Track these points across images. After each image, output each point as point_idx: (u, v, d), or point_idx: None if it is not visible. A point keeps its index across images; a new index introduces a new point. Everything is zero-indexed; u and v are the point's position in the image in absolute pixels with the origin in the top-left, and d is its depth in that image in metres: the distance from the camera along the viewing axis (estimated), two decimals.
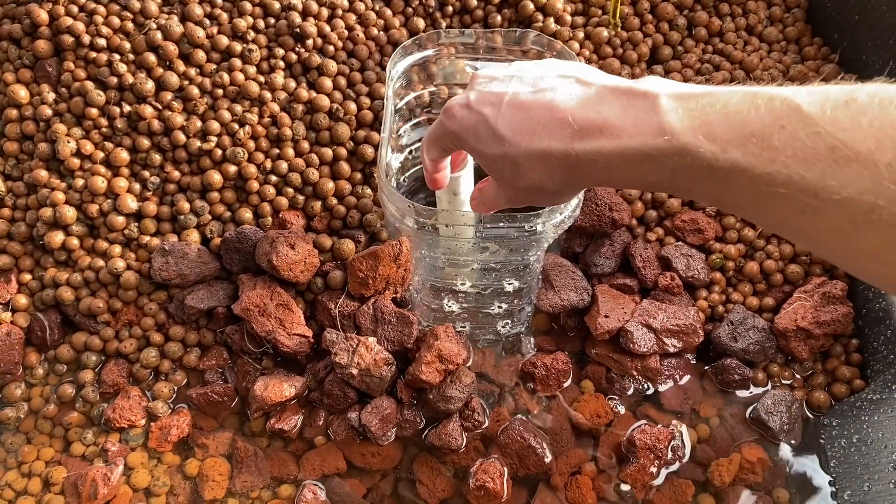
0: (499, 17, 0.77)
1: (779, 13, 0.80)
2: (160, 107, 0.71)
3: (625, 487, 0.63)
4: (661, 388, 0.68)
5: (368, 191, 0.73)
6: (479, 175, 0.60)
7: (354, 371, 0.64)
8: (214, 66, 0.72)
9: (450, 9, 0.77)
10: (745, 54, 0.77)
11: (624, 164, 0.38)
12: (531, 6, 0.76)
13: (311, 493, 0.63)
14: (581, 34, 0.77)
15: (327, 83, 0.73)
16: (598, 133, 0.38)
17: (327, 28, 0.73)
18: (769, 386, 0.68)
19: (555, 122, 0.40)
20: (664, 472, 0.64)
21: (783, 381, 0.68)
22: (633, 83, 0.39)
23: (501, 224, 0.57)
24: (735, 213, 0.39)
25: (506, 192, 0.46)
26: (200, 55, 0.71)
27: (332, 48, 0.73)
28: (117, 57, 0.70)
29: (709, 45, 0.79)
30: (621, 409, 0.67)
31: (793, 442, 0.65)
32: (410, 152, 0.75)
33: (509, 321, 0.71)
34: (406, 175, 0.74)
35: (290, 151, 0.72)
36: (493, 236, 0.59)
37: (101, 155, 0.71)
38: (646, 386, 0.68)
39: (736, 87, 0.35)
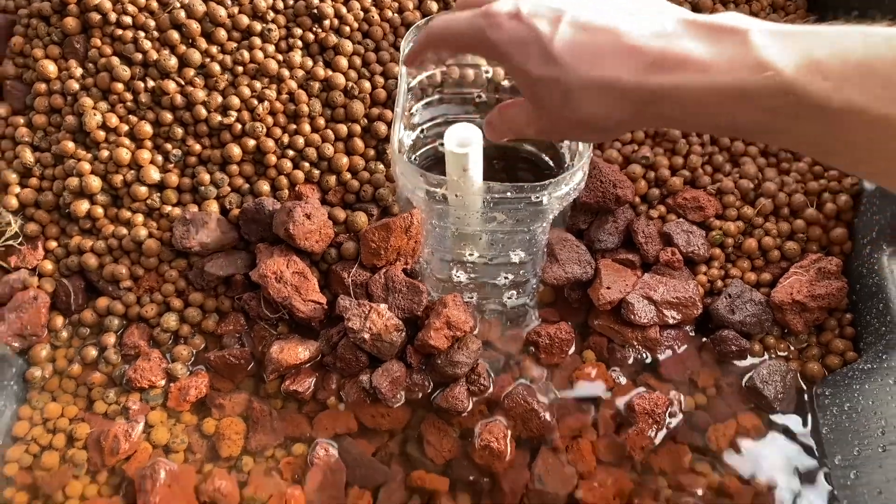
0: None
1: (781, 1, 0.82)
2: (183, 82, 0.74)
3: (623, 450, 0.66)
4: (661, 357, 0.71)
5: (381, 166, 0.75)
6: (486, 157, 0.62)
7: (366, 336, 0.67)
8: (235, 45, 0.75)
9: None
10: None
11: (710, 102, 0.35)
12: None
13: (324, 451, 0.66)
14: None
15: (343, 62, 0.76)
16: (679, 67, 0.35)
17: (344, 10, 0.76)
18: (765, 357, 0.70)
19: (625, 51, 0.36)
20: (661, 435, 0.66)
21: (779, 353, 0.70)
22: (716, 17, 0.36)
23: (508, 194, 0.60)
24: (834, 160, 0.36)
25: (541, 120, 0.42)
26: (222, 34, 0.74)
27: (348, 29, 0.76)
28: (142, 34, 0.73)
29: None
30: (622, 379, 0.70)
31: (787, 410, 0.67)
32: (422, 131, 0.77)
33: (515, 292, 0.73)
34: (417, 154, 0.77)
35: (307, 127, 0.74)
36: (499, 206, 0.61)
37: (125, 128, 0.74)
38: (645, 356, 0.71)
39: (843, 26, 0.33)
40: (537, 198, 0.60)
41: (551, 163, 0.72)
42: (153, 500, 0.63)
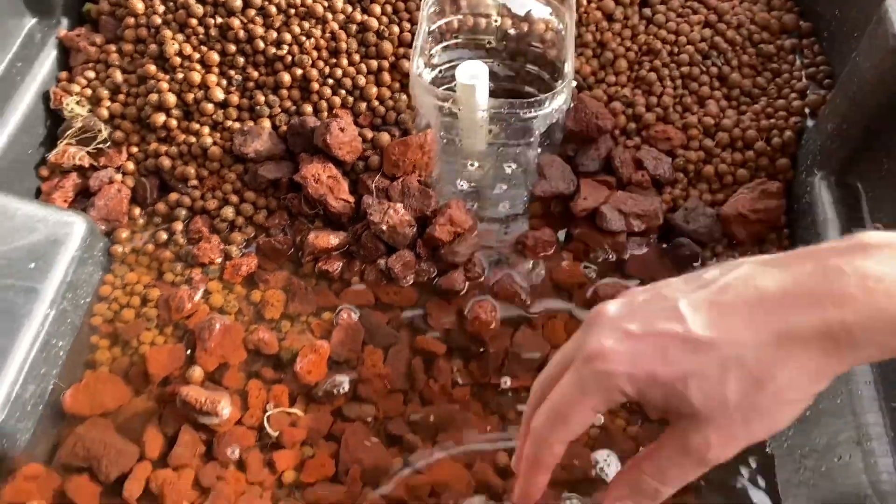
0: None
1: None
2: (245, 20, 0.90)
3: None
4: (626, 258, 0.85)
5: (404, 97, 0.91)
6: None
7: (384, 227, 0.83)
8: None
9: None
10: (719, 2, 0.93)
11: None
12: None
13: (347, 315, 0.82)
14: None
15: (377, 9, 0.91)
16: (847, 299, 0.31)
17: None
18: (714, 262, 0.84)
19: (776, 300, 0.33)
20: None
21: (726, 259, 0.84)
22: (858, 236, 0.33)
23: (503, 109, 0.75)
24: None
25: (724, 429, 0.34)
26: None
27: None
28: None
29: None
30: (593, 275, 0.85)
31: None
32: (440, 71, 0.93)
33: (508, 203, 0.88)
34: None
35: (345, 61, 0.90)
36: (495, 120, 0.76)
37: (197, 56, 0.90)
38: (613, 257, 0.85)
39: None
40: (525, 113, 0.75)
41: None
42: (210, 345, 0.79)
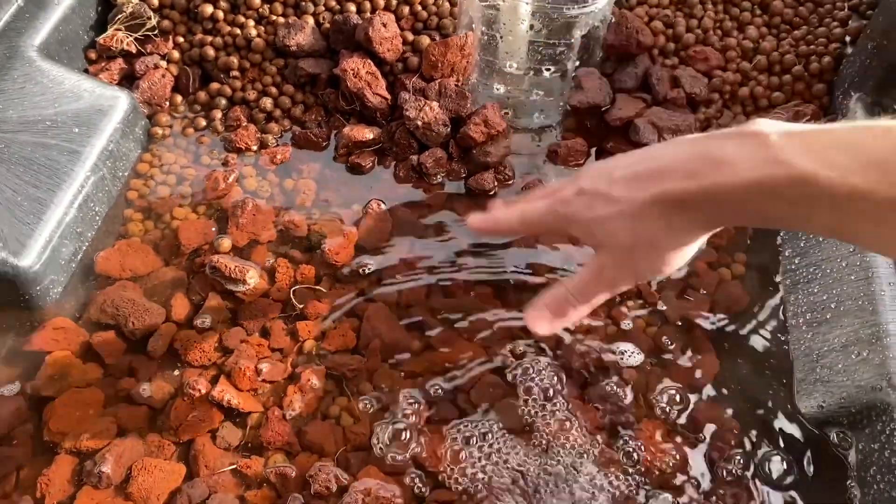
0: None
1: None
2: None
3: None
4: None
5: (447, 4, 0.92)
6: None
7: (419, 123, 0.84)
8: None
9: None
10: None
11: (742, 198, 0.39)
12: None
13: (376, 205, 0.83)
14: None
15: None
16: (712, 170, 0.39)
17: None
18: None
19: (667, 171, 0.41)
20: None
21: None
22: (741, 127, 0.40)
23: (547, 3, 0.76)
24: (856, 242, 0.41)
25: (618, 260, 0.46)
26: None
27: None
28: None
29: None
30: None
31: None
32: None
33: (543, 113, 0.89)
34: None
35: None
36: (537, 15, 0.77)
37: None
38: None
39: (848, 123, 0.39)
40: (569, 9, 0.76)
41: None
42: (241, 221, 0.81)
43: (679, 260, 0.45)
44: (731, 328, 0.75)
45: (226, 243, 0.80)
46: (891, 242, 0.37)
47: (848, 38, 0.87)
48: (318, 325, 0.75)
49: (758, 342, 0.74)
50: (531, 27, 0.79)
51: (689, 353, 0.74)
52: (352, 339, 0.74)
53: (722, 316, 0.76)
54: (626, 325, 0.76)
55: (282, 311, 0.77)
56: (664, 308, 0.77)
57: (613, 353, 0.73)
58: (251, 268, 0.77)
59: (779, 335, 0.74)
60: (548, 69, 0.85)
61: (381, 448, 0.66)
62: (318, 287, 0.78)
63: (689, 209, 0.41)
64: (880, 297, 0.66)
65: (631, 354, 0.73)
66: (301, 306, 0.76)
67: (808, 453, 0.66)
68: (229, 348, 0.73)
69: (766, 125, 0.39)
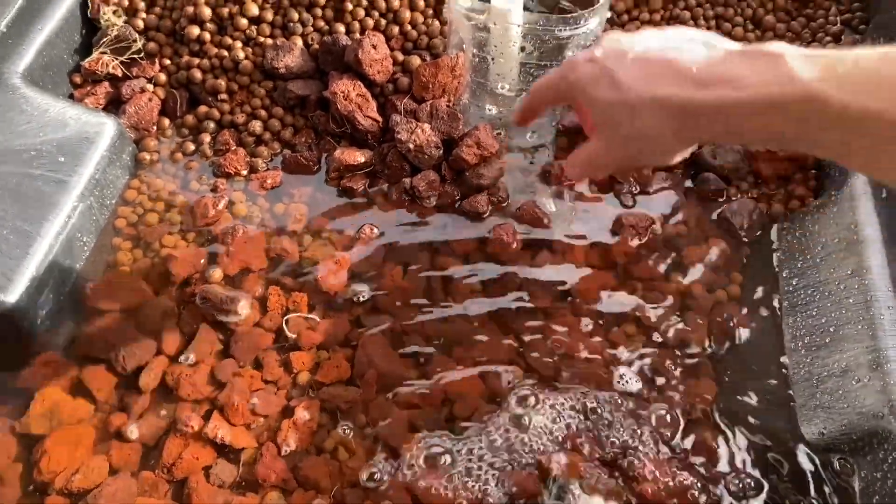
0: None
1: None
2: None
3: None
4: (652, 191, 0.85)
5: (436, 23, 0.91)
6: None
7: (411, 146, 0.83)
8: None
9: None
10: None
11: (748, 113, 0.39)
12: None
13: (369, 229, 0.82)
14: None
15: None
16: (721, 84, 0.40)
17: None
18: (739, 198, 0.84)
19: (677, 74, 0.42)
20: (643, 247, 0.81)
21: (750, 196, 0.84)
22: (759, 46, 0.40)
23: (538, 24, 0.75)
24: (856, 163, 0.41)
25: (611, 146, 0.48)
26: None
27: None
28: None
29: None
30: (618, 206, 0.85)
31: (751, 239, 0.81)
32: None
33: (536, 133, 0.88)
34: None
35: None
36: (529, 37, 0.76)
37: None
38: (638, 189, 0.85)
39: (864, 48, 0.37)
40: (560, 31, 0.75)
41: None
42: (232, 249, 0.80)
43: (668, 158, 0.47)
44: (729, 351, 0.75)
45: (217, 273, 0.78)
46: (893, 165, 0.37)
47: None
48: (312, 356, 0.74)
49: (757, 365, 0.73)
50: (522, 49, 0.78)
51: (687, 378, 0.73)
52: (346, 369, 0.73)
53: (719, 339, 0.75)
54: (624, 351, 0.75)
55: (275, 341, 0.76)
56: (661, 331, 0.76)
57: (611, 380, 0.72)
58: (243, 297, 0.76)
59: (778, 358, 0.73)
60: None
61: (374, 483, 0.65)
62: (311, 316, 0.77)
63: (692, 116, 0.42)
64: (879, 321, 0.65)
65: (629, 381, 0.72)
66: (294, 336, 0.75)
67: (811, 480, 0.65)
68: (222, 381, 0.72)
69: (782, 46, 0.39)
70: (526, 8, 0.83)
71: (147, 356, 0.74)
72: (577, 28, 0.75)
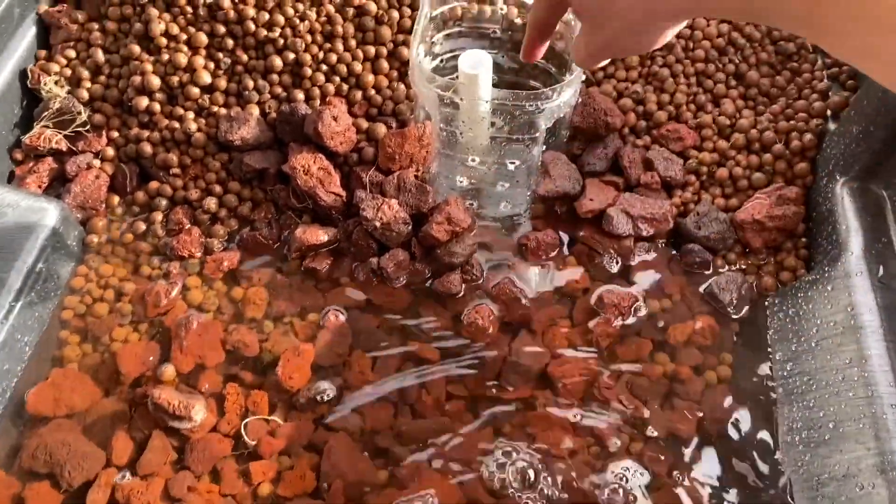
0: None
1: None
2: (236, 0, 0.85)
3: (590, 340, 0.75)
4: (633, 264, 0.80)
5: (402, 87, 0.86)
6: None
7: (377, 224, 0.77)
8: None
9: None
10: None
11: None
12: None
13: (334, 316, 0.77)
14: None
15: None
16: None
17: None
18: (726, 269, 0.79)
19: None
20: (627, 327, 0.76)
21: (739, 267, 0.79)
22: None
23: (507, 101, 0.70)
24: (824, 39, 0.37)
25: (594, 29, 0.49)
26: None
27: None
28: None
29: None
30: (598, 281, 0.80)
31: (741, 316, 0.76)
32: (442, 60, 0.88)
33: (510, 202, 0.83)
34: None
35: (340, 46, 0.85)
36: (498, 112, 0.71)
37: (184, 36, 0.85)
38: (619, 262, 0.80)
39: None
40: (530, 106, 0.70)
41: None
42: (186, 344, 0.74)
43: (646, 40, 0.48)
44: (720, 442, 0.70)
45: (169, 371, 0.73)
46: (859, 41, 0.34)
47: (829, 113, 0.82)
48: (274, 465, 0.69)
49: (751, 459, 0.68)
50: (492, 124, 0.73)
51: (676, 473, 0.68)
52: (311, 480, 0.68)
53: (710, 427, 0.70)
54: (613, 444, 0.70)
55: (233, 448, 0.70)
56: (648, 421, 0.71)
57: (597, 484, 0.67)
58: (197, 402, 0.70)
59: (773, 453, 0.68)
60: (512, 163, 0.78)
61: None
62: (272, 417, 0.71)
63: None
64: (882, 420, 0.61)
65: (616, 484, 0.67)
66: (254, 443, 0.69)
67: None
68: (176, 498, 0.66)
69: None
70: (496, 65, 0.78)
71: (95, 468, 0.68)
72: (548, 101, 0.70)
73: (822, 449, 0.64)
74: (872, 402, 0.62)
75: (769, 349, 0.74)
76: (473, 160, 0.79)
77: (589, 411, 0.72)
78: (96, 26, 0.88)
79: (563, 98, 0.71)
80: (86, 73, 0.86)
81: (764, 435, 0.70)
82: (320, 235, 0.80)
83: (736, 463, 0.68)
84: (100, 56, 0.86)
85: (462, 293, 0.79)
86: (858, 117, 0.73)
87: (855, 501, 0.60)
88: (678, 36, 0.88)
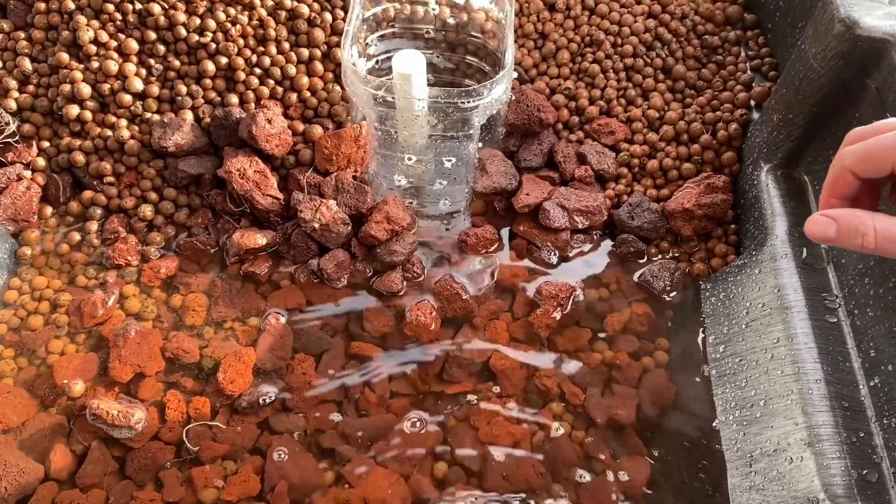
0: None
1: None
2: (166, 6, 0.84)
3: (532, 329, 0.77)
4: (570, 255, 0.82)
5: (337, 88, 0.86)
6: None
7: (316, 225, 0.77)
8: None
9: None
10: None
11: None
12: None
13: (275, 319, 0.77)
14: None
15: None
16: None
17: None
18: (659, 258, 0.81)
19: None
20: (565, 316, 0.77)
21: (672, 255, 0.81)
22: None
23: (439, 98, 0.71)
24: None
25: None
26: None
27: None
28: None
29: None
30: (536, 274, 0.81)
31: (675, 302, 0.79)
32: (377, 62, 0.88)
33: (449, 200, 0.84)
34: None
35: (273, 49, 0.85)
36: (432, 110, 0.72)
37: (114, 44, 0.84)
38: (556, 254, 0.82)
39: None
40: (464, 103, 0.71)
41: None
42: (124, 353, 0.73)
43: None
44: (660, 425, 0.72)
45: (77, 388, 0.72)
46: None
47: (753, 103, 0.84)
48: (218, 470, 0.68)
49: (689, 439, 0.70)
50: (427, 122, 0.74)
51: (618, 458, 0.70)
52: (255, 483, 0.67)
53: (649, 411, 0.72)
54: (556, 430, 0.71)
55: (175, 454, 0.69)
56: (589, 409, 0.72)
57: (541, 472, 0.68)
58: (137, 410, 0.69)
59: (710, 431, 0.70)
60: (449, 160, 0.79)
61: None
62: (214, 423, 0.71)
63: None
64: (808, 395, 0.63)
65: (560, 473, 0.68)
66: (196, 449, 0.69)
67: None
68: None
69: None
70: (430, 64, 0.79)
71: (33, 483, 0.67)
72: (480, 98, 0.71)
73: (753, 427, 0.66)
74: (799, 379, 0.64)
75: (703, 332, 0.76)
76: (410, 158, 0.80)
77: (531, 402, 0.73)
78: (23, 35, 0.86)
79: (495, 94, 0.72)
80: (13, 83, 0.84)
81: (701, 416, 0.72)
82: (258, 239, 0.79)
83: (674, 445, 0.70)
84: (27, 65, 0.85)
85: (404, 291, 0.79)
86: (778, 106, 0.76)
87: (785, 475, 0.62)
88: (607, 32, 0.90)
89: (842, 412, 0.62)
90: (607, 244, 0.83)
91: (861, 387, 0.63)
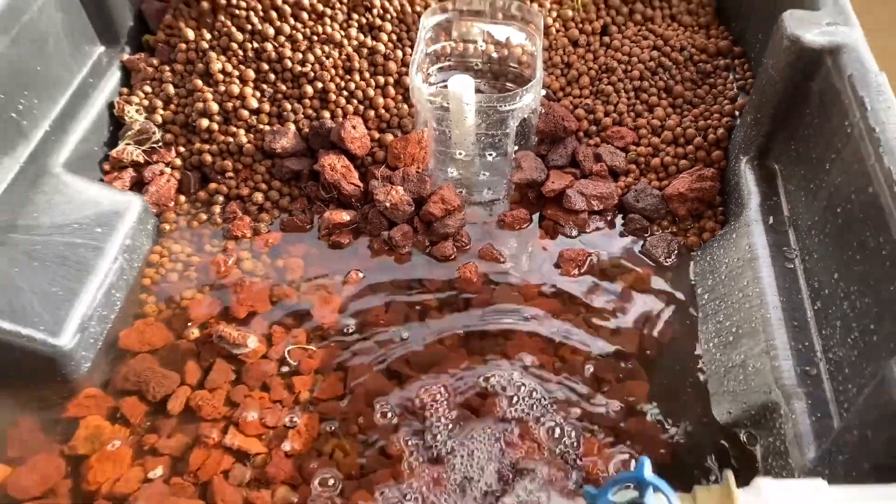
0: None
1: (695, 8, 1.16)
2: (277, 45, 1.10)
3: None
4: (588, 231, 1.02)
5: (405, 106, 1.10)
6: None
7: (388, 204, 1.00)
8: (313, 22, 1.12)
9: None
10: (665, 30, 1.14)
11: None
12: None
13: (355, 274, 0.99)
14: (554, 14, 1.15)
15: (384, 36, 1.12)
16: None
17: (386, 1, 1.13)
18: (659, 233, 1.01)
19: None
20: (587, 279, 0.97)
21: (671, 231, 1.01)
22: None
23: (481, 103, 0.94)
24: None
25: None
26: (305, 15, 1.11)
27: (389, 14, 1.13)
28: (251, 13, 1.11)
29: (643, 25, 1.16)
30: (562, 245, 1.02)
31: (671, 265, 0.98)
32: (436, 88, 1.12)
33: (491, 189, 1.06)
34: None
35: (357, 77, 1.10)
36: (478, 112, 0.95)
37: (236, 73, 1.10)
38: (576, 231, 1.02)
39: None
40: (501, 106, 0.94)
41: None
42: (241, 297, 0.96)
43: None
44: (658, 357, 0.90)
45: (229, 317, 0.94)
46: None
47: (737, 113, 1.05)
48: (311, 379, 0.89)
49: (681, 364, 0.88)
50: (474, 122, 0.97)
51: (623, 381, 0.88)
52: (339, 388, 0.88)
53: (649, 348, 0.91)
54: (572, 358, 0.90)
55: (279, 369, 0.91)
56: (599, 343, 0.91)
57: (561, 383, 0.87)
58: (251, 334, 0.91)
59: (697, 361, 0.88)
60: (490, 154, 1.02)
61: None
62: (309, 346, 0.92)
63: None
64: (767, 318, 0.81)
65: (576, 384, 0.87)
66: (295, 363, 0.90)
67: (732, 458, 0.80)
68: (236, 402, 0.87)
69: None
70: (478, 90, 1.02)
71: (173, 386, 0.88)
72: (514, 103, 0.93)
73: (728, 348, 0.84)
74: (762, 307, 0.83)
75: (693, 286, 0.95)
76: (461, 153, 1.02)
77: (554, 334, 0.92)
78: (167, 68, 1.14)
79: (526, 101, 0.95)
80: (159, 103, 1.11)
81: (690, 349, 0.90)
82: (343, 216, 1.02)
83: (667, 370, 0.88)
84: (170, 89, 1.11)
85: (454, 256, 1.01)
86: (751, 109, 0.96)
87: (749, 378, 0.80)
88: (619, 61, 1.12)
89: (792, 329, 0.80)
90: (618, 222, 1.03)
91: (807, 310, 0.81)
